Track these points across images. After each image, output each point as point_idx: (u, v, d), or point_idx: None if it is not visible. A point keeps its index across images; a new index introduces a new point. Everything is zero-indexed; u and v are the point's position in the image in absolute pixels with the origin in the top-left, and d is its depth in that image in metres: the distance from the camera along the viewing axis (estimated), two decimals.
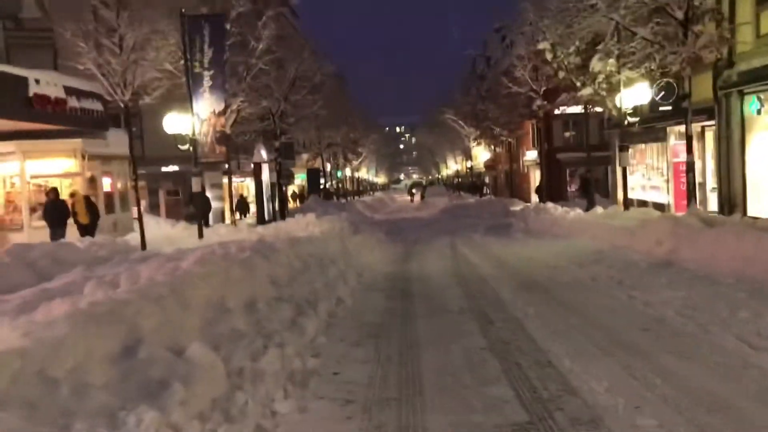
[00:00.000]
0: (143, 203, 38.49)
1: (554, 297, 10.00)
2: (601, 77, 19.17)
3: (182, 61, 16.27)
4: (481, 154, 54.64)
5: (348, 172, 64.15)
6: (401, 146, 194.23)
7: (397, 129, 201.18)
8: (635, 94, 16.97)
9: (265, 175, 23.88)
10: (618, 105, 17.51)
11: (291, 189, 46.58)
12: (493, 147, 48.81)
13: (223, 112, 17.53)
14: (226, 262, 8.17)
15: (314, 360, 6.64)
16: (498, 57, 58.14)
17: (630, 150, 29.68)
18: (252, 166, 26.22)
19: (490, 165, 54.41)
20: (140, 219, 14.49)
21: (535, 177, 48.07)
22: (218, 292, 7.24)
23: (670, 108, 20.83)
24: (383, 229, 26.58)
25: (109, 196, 24.50)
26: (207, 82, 16.83)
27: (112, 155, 24.25)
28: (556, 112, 37.61)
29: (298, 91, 27.42)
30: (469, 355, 6.78)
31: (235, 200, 24.23)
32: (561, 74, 20.14)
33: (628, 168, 30.63)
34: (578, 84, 19.88)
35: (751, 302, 8.05)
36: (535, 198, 47.42)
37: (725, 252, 9.97)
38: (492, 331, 7.88)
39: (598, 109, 36.95)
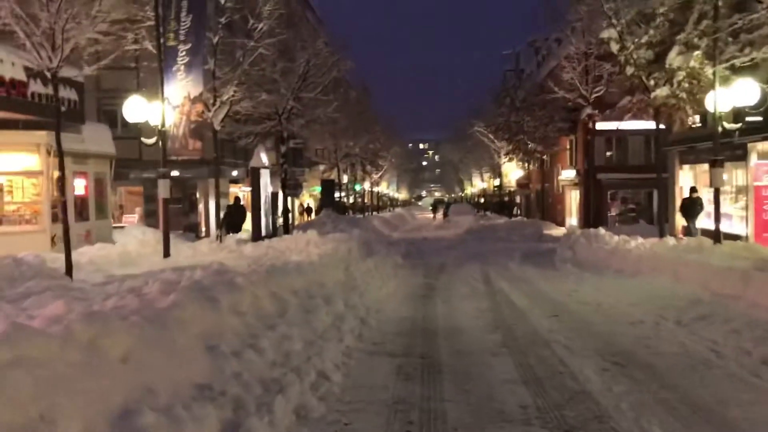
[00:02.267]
0: (138, 210, 35.31)
1: (677, 392, 6.02)
2: (681, 74, 15.19)
3: (145, 28, 12.59)
4: (512, 172, 50.55)
5: (367, 185, 60.34)
6: (424, 162, 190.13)
7: (421, 145, 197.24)
8: (739, 94, 12.90)
9: (266, 184, 20.17)
10: (711, 107, 13.41)
11: (300, 202, 42.93)
12: (526, 164, 44.74)
13: (199, 98, 13.82)
14: (87, 326, 4.31)
15: None
16: (531, 70, 54.42)
17: (689, 170, 25.75)
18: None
19: (522, 183, 50.26)
20: (66, 233, 10.64)
21: (571, 198, 43.94)
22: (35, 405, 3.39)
23: (760, 118, 16.82)
24: (401, 251, 22.72)
25: (82, 201, 20.91)
26: (182, 59, 13.16)
27: (88, 153, 20.70)
28: (601, 127, 33.59)
29: (310, 88, 23.72)
30: None
31: (222, 211, 20.46)
32: (629, 70, 16.16)
33: (684, 189, 26.65)
34: (651, 83, 15.87)
35: None
36: (570, 221, 43.28)
37: None
38: None
39: (648, 124, 33.05)
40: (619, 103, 18.23)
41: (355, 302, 10.57)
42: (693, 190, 18.07)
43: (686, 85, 15.02)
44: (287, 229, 23.91)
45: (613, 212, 38.90)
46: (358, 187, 58.42)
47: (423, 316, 10.41)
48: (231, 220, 18.83)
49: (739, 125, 12.89)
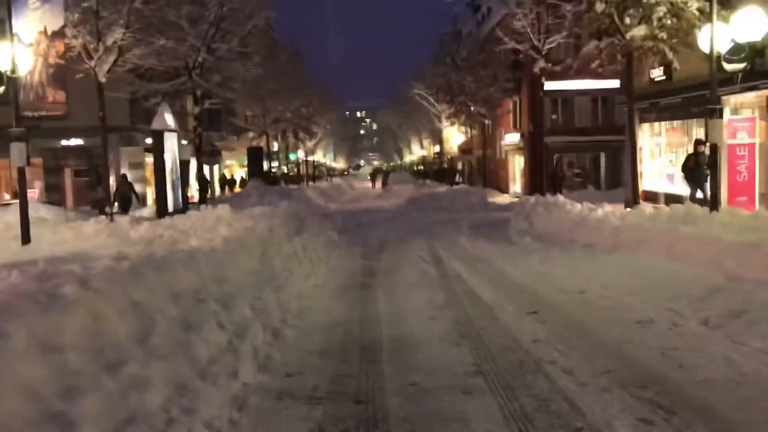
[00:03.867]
0: (38, 185, 31.31)
1: None
2: (660, 10, 12.81)
3: None
4: (453, 137, 48.19)
5: (301, 154, 57.05)
6: (362, 131, 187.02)
7: (358, 113, 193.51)
8: (741, 27, 10.51)
9: (172, 149, 17.03)
10: (704, 45, 11.06)
11: (230, 172, 39.56)
12: (468, 128, 42.39)
13: (60, 34, 10.62)
14: None
15: None
16: (471, 29, 51.96)
17: (648, 129, 23.76)
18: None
19: (464, 149, 47.97)
20: None
21: (515, 164, 41.92)
22: None
23: (741, 66, 14.66)
24: (338, 225, 20.00)
25: None
26: None
27: None
28: (549, 87, 31.27)
29: (226, 39, 20.50)
30: None
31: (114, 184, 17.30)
32: (599, 7, 13.63)
33: (643, 150, 24.69)
34: (626, 21, 13.41)
35: None
36: (514, 188, 41.28)
37: None
38: None
39: (596, 83, 30.89)
40: (584, 48, 15.73)
41: (269, 302, 7.80)
42: (699, 143, 14.65)
43: (668, 22, 12.66)
44: (204, 203, 20.86)
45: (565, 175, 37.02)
46: (292, 157, 55.15)
47: (361, 319, 7.75)
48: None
49: (742, 65, 10.57)
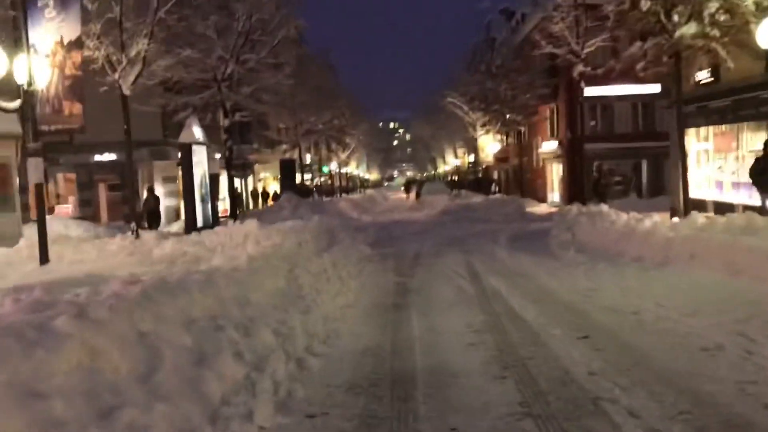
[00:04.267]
0: (72, 200, 31.27)
1: None
2: (712, 6, 11.95)
3: None
4: (488, 146, 47.27)
5: (334, 166, 56.70)
6: (395, 142, 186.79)
7: (391, 124, 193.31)
8: None
9: (200, 163, 16.64)
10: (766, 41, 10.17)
11: (264, 186, 39.31)
12: (503, 136, 41.51)
13: (76, 45, 10.23)
14: None
15: None
16: (505, 36, 51.11)
17: (694, 134, 22.65)
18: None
19: (500, 158, 47.02)
20: None
21: (553, 172, 40.85)
22: None
23: None
24: (370, 238, 19.45)
25: None
26: None
27: None
28: (588, 93, 30.24)
29: (255, 50, 20.13)
30: None
31: (142, 199, 16.94)
32: (644, 5, 12.83)
33: (688, 156, 23.54)
34: (674, 18, 12.56)
35: None
36: (552, 197, 40.21)
37: None
38: None
39: (637, 88, 29.69)
40: (627, 50, 14.84)
41: (294, 326, 7.18)
42: None
43: (721, 18, 11.78)
44: (234, 217, 20.43)
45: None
46: (325, 169, 54.83)
47: (393, 346, 7.08)
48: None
49: None
